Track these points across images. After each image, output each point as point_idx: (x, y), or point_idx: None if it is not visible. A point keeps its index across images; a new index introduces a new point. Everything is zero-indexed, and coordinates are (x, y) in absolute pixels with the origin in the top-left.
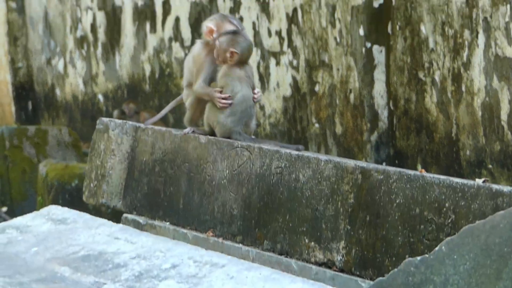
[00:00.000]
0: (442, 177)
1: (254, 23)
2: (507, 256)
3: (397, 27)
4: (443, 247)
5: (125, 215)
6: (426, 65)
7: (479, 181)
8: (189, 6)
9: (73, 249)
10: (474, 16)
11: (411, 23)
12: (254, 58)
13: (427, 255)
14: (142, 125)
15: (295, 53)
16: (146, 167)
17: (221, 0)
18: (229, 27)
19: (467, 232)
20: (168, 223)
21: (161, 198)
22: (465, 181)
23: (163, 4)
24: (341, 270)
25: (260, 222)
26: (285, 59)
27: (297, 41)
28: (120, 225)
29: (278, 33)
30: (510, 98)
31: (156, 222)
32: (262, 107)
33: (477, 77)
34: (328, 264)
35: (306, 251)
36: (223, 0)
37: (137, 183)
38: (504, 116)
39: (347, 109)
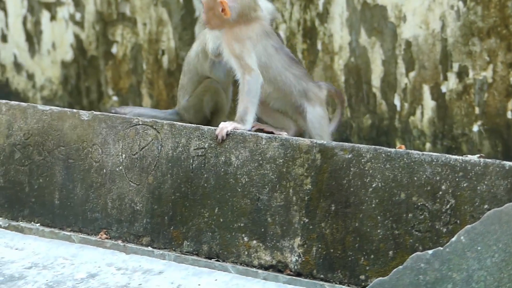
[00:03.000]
0: (435, 154)
1: None
2: None
3: None
4: (462, 238)
5: None
6: None
7: (472, 158)
8: None
9: None
10: None
11: None
12: (19, 11)
13: (441, 248)
14: None
15: (78, 4)
16: (1, 154)
17: None
18: None
19: (493, 217)
20: (38, 224)
21: (25, 192)
22: (465, 158)
23: None
24: (298, 274)
25: (176, 218)
26: (63, 11)
27: None
28: None
29: None
30: (384, 58)
31: (23, 224)
32: (31, 76)
33: (337, 31)
34: (278, 267)
35: (246, 252)
36: None
37: None
38: (376, 81)
39: (159, 77)
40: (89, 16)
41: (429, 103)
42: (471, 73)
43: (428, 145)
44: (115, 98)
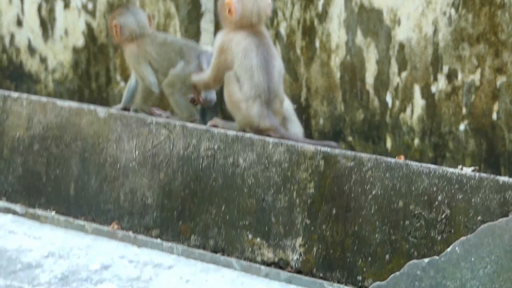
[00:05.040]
0: (433, 166)
1: None
2: None
3: None
4: (457, 248)
5: None
6: None
7: (467, 170)
8: None
9: None
10: None
11: None
12: None
13: (436, 257)
14: (12, 94)
15: None
16: (21, 145)
17: None
18: None
19: (486, 231)
20: (54, 212)
21: (42, 182)
22: (461, 171)
23: None
24: (298, 271)
25: (184, 213)
26: (76, 1)
27: None
28: (10, 215)
29: None
30: (378, 58)
31: (39, 211)
32: (43, 60)
33: (335, 31)
34: (280, 264)
35: (250, 249)
36: None
37: (7, 163)
38: (369, 78)
39: None
40: (100, 6)
41: (419, 101)
42: (460, 76)
43: (416, 140)
44: (122, 84)
